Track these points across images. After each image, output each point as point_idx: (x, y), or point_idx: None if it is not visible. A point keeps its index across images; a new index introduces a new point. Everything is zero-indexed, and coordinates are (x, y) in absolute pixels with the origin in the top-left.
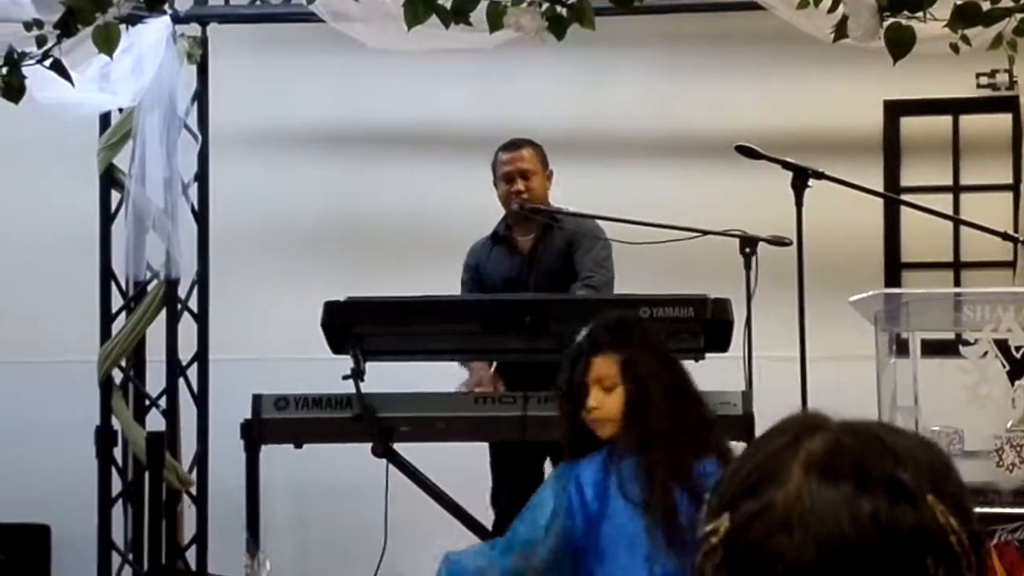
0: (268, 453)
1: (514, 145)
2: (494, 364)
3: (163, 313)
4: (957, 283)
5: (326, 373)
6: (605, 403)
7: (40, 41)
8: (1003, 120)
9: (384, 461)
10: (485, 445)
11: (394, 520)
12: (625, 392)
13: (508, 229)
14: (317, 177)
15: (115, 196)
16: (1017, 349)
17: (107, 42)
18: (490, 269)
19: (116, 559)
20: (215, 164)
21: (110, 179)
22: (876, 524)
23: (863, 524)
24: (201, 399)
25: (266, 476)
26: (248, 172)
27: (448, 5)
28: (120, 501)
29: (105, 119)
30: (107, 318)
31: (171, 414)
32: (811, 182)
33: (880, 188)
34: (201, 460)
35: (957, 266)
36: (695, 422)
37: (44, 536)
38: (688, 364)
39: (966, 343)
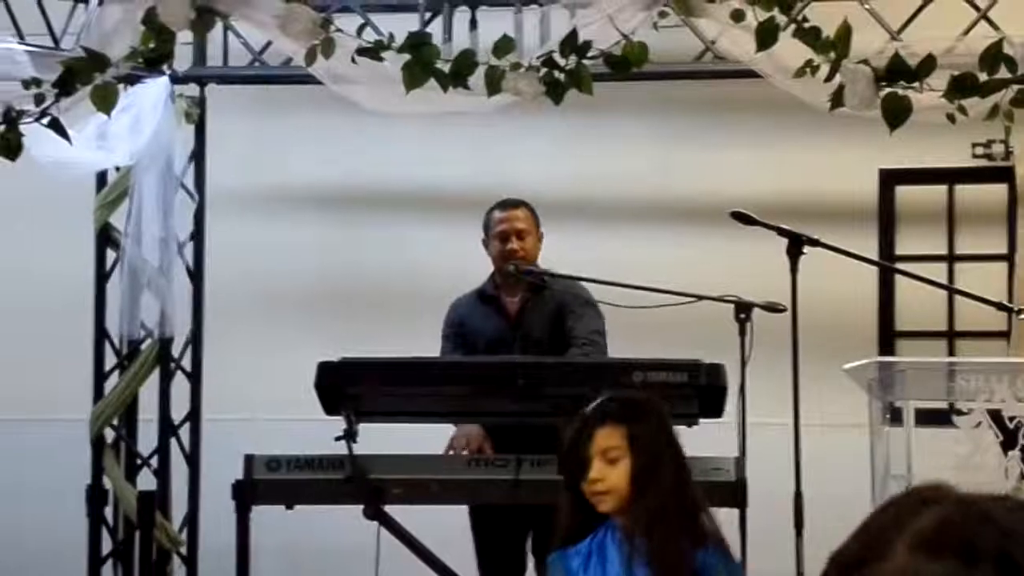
0: (259, 514)
1: (510, 204)
2: None
3: (156, 372)
4: (951, 352)
5: (319, 434)
6: (609, 476)
7: (38, 99)
8: (998, 190)
9: (375, 523)
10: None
11: None
12: (632, 464)
13: (496, 289)
14: (313, 238)
15: (110, 255)
16: (1011, 419)
17: (105, 101)
18: (476, 328)
19: None
20: (211, 224)
21: (106, 238)
22: None
23: None
24: (193, 459)
25: (257, 537)
26: (244, 232)
27: (447, 69)
28: (110, 560)
29: (102, 178)
30: (100, 376)
31: (162, 473)
32: (806, 249)
33: (875, 256)
34: (192, 520)
35: (951, 335)
36: (691, 504)
37: None
38: (681, 430)
39: (960, 413)
